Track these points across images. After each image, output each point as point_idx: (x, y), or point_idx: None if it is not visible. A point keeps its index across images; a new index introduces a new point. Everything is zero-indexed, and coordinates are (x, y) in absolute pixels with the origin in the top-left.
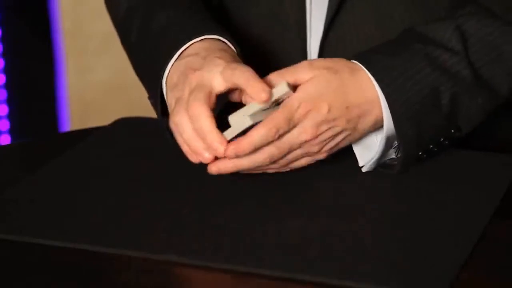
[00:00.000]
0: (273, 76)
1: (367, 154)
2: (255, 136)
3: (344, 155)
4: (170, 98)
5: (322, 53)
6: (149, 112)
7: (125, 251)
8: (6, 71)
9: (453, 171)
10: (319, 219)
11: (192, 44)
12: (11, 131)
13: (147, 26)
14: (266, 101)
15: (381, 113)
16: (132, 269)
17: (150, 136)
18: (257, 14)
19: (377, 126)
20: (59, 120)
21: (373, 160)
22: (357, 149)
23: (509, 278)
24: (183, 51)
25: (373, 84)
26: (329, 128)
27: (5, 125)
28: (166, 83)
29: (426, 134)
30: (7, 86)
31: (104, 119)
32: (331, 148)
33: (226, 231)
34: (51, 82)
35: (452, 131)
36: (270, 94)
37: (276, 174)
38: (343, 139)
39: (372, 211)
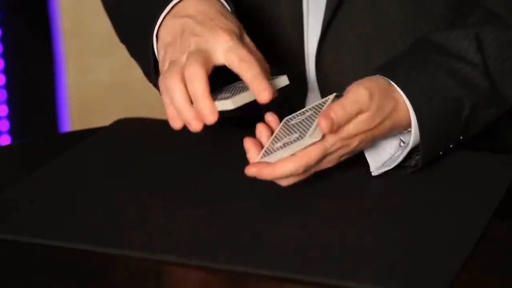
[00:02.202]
0: (336, 107)
1: (377, 158)
2: (281, 170)
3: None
4: (161, 56)
5: (320, 52)
6: (150, 112)
7: (125, 251)
8: (6, 71)
9: (453, 171)
10: (319, 219)
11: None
12: (11, 132)
13: None
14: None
15: (403, 129)
16: (132, 269)
17: (151, 136)
18: (251, 9)
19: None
20: (59, 120)
21: (390, 167)
22: (369, 155)
23: (509, 278)
24: (174, 5)
25: (405, 104)
26: (350, 154)
27: (5, 125)
28: (156, 37)
29: (442, 144)
30: (7, 86)
31: (104, 119)
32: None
33: (226, 231)
34: (51, 82)
35: (461, 137)
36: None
37: None
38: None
39: (372, 211)
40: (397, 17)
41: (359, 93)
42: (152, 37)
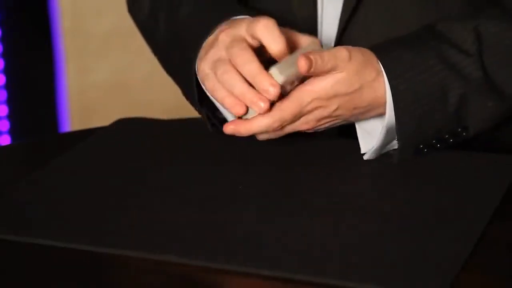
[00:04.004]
0: (315, 53)
1: (370, 141)
2: (256, 125)
3: (344, 155)
4: (203, 66)
5: None
6: (149, 112)
7: (125, 251)
8: (6, 71)
9: (453, 171)
10: (319, 219)
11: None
12: (11, 132)
13: (174, 16)
14: (305, 69)
15: (385, 108)
16: (131, 269)
17: (151, 136)
18: (264, 10)
19: (380, 115)
20: (59, 120)
21: (373, 148)
22: (360, 135)
23: (509, 278)
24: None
25: (384, 79)
26: (329, 122)
27: (5, 125)
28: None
29: (428, 129)
30: (7, 86)
31: (104, 120)
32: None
33: (226, 231)
34: (51, 82)
35: (459, 130)
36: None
37: (276, 173)
38: (339, 124)
39: (372, 211)
40: (414, 20)
41: (339, 50)
42: (195, 68)
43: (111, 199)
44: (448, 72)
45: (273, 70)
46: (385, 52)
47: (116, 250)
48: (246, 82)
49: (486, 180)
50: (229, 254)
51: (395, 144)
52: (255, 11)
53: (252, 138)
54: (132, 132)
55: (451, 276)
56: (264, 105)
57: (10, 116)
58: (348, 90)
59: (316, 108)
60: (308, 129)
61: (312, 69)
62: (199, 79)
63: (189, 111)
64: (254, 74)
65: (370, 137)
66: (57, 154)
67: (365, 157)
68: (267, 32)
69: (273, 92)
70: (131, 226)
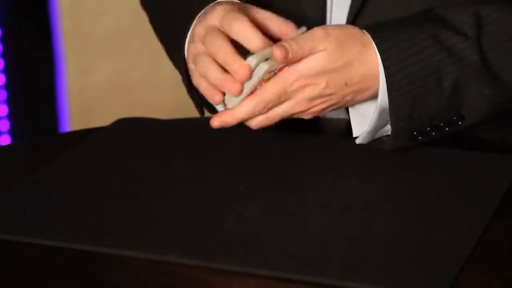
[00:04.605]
0: (289, 41)
1: (363, 124)
2: (241, 110)
3: (344, 155)
4: (188, 60)
5: None
6: (149, 112)
7: (125, 251)
8: (6, 71)
9: (453, 171)
10: (318, 219)
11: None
12: (11, 131)
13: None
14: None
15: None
16: (132, 269)
17: (151, 136)
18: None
19: (375, 97)
20: (59, 120)
21: (366, 131)
22: (353, 118)
23: (509, 279)
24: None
25: (377, 57)
26: (323, 102)
27: (5, 125)
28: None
29: (422, 113)
30: (7, 86)
31: (104, 120)
32: (320, 112)
33: (226, 231)
34: (51, 82)
35: (455, 118)
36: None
37: (276, 173)
38: (335, 108)
39: (371, 211)
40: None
41: (314, 31)
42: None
43: (111, 199)
44: (443, 54)
45: (249, 57)
46: (378, 31)
47: (116, 250)
48: (221, 69)
49: (486, 180)
50: (229, 254)
51: (388, 130)
52: None
53: (251, 133)
54: (132, 132)
55: (451, 276)
56: (236, 87)
57: (10, 116)
58: (334, 65)
59: (303, 87)
60: (303, 112)
61: (290, 55)
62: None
63: (189, 111)
64: (226, 58)
65: (363, 120)
66: (57, 154)
67: (357, 141)
68: (242, 34)
69: (242, 72)
70: (131, 226)
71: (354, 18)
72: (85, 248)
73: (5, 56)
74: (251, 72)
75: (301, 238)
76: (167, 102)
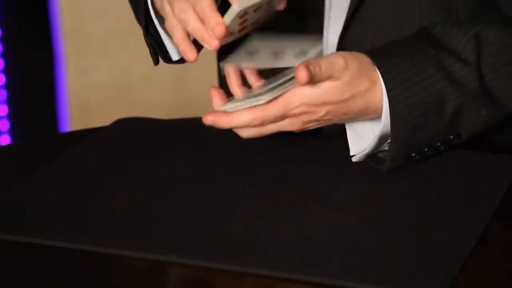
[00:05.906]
0: (314, 62)
1: (360, 143)
2: (236, 119)
3: (343, 154)
4: (164, 2)
5: (340, 49)
6: (149, 112)
7: (125, 251)
8: (6, 71)
9: (453, 171)
10: (318, 219)
11: None
12: (11, 131)
13: None
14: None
15: (378, 115)
16: (132, 269)
17: (151, 136)
18: None
19: (372, 118)
20: (59, 120)
21: (364, 153)
22: (350, 137)
23: (508, 279)
24: None
25: (381, 86)
26: (317, 124)
27: (5, 125)
28: None
29: (421, 138)
30: (7, 86)
31: (104, 120)
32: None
33: (226, 231)
34: (51, 82)
35: (451, 137)
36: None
37: (276, 173)
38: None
39: (372, 211)
40: (422, 16)
41: (336, 58)
42: None
43: (111, 199)
44: (446, 82)
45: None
46: (383, 60)
47: (116, 250)
48: (200, 20)
49: (486, 180)
50: (229, 254)
51: (384, 147)
52: None
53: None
54: (132, 132)
55: (451, 276)
56: (212, 43)
57: (10, 116)
58: (339, 99)
59: (304, 113)
60: (294, 131)
61: (311, 79)
62: (152, 9)
63: (189, 111)
64: (204, 12)
65: (361, 140)
66: (57, 154)
67: (353, 159)
68: None
69: (218, 30)
70: (131, 226)
71: (352, 14)
72: (85, 248)
73: (5, 56)
74: (227, 31)
75: (301, 238)
76: (167, 102)
